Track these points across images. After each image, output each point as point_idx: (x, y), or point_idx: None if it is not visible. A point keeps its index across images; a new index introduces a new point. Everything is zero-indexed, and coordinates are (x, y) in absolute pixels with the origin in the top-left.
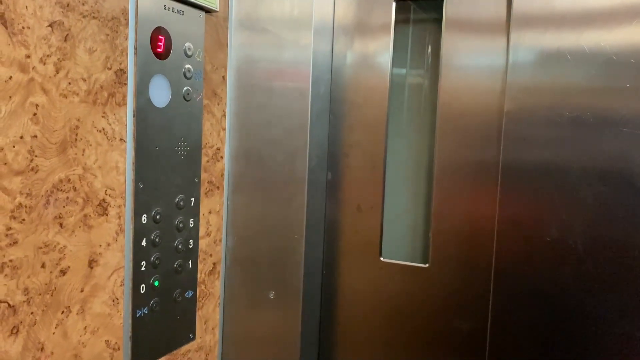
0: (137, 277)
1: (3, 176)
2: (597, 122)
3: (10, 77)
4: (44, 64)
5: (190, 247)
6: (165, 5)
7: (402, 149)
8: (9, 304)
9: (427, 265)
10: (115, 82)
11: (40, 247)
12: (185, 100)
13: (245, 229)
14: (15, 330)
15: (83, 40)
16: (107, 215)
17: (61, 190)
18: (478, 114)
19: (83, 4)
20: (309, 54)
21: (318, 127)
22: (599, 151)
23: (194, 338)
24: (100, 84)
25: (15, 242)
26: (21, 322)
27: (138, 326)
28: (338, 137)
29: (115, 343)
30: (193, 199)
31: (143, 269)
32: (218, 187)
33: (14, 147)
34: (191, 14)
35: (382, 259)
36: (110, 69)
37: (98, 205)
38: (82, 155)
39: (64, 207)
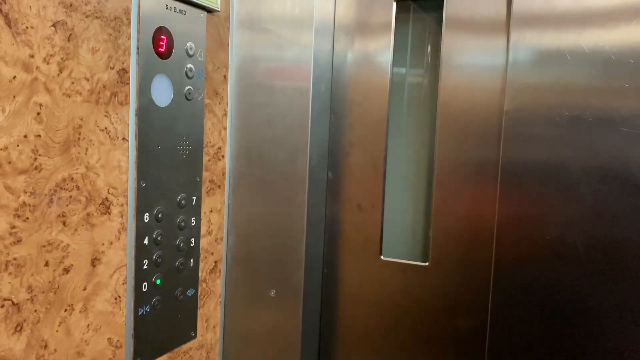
0: (139, 276)
1: (7, 175)
2: (597, 122)
3: (14, 77)
4: (48, 63)
5: (192, 245)
6: (167, 5)
7: (403, 148)
8: (13, 302)
9: (427, 263)
10: (117, 82)
11: (44, 246)
12: (187, 99)
13: (246, 228)
14: (19, 328)
15: (86, 40)
16: (109, 213)
17: (64, 189)
18: (478, 113)
19: (86, 4)
20: (309, 54)
21: (319, 126)
22: (598, 150)
23: (195, 336)
24: (103, 83)
25: (19, 241)
26: (25, 320)
27: (140, 324)
28: (339, 136)
29: (118, 341)
30: (194, 198)
31: (145, 267)
32: (219, 186)
33: (18, 146)
34: (193, 14)
35: (382, 257)
36: (112, 68)
37: (101, 204)
38: (85, 154)
39: (67, 205)
